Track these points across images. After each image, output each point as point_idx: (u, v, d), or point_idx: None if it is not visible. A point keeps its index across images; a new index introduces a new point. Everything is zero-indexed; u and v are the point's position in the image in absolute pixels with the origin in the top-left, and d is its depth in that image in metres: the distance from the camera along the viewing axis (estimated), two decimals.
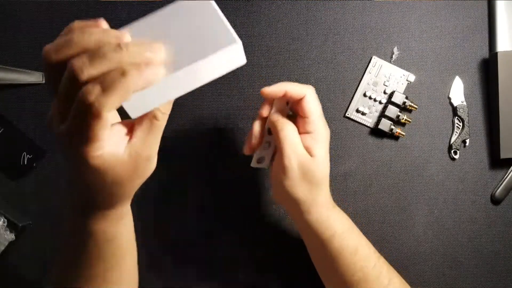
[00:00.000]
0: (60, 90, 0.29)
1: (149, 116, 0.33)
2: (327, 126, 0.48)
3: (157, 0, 0.59)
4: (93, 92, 0.27)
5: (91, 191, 0.34)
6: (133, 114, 0.31)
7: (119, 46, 0.28)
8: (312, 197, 0.46)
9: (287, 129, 0.46)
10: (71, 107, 0.29)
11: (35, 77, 0.58)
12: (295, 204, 0.47)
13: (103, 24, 0.31)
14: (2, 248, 0.55)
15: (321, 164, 0.45)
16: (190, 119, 0.59)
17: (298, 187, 0.45)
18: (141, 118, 0.33)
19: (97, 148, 0.30)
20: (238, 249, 0.59)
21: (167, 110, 0.33)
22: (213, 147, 0.59)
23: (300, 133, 0.47)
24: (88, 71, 0.28)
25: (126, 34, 0.30)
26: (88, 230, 0.37)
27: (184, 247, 0.59)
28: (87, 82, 0.28)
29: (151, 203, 0.58)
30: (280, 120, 0.47)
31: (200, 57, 0.30)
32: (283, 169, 0.45)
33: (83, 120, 0.28)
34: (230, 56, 0.31)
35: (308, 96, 0.46)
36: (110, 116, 0.29)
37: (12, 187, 0.58)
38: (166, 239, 0.59)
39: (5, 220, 0.56)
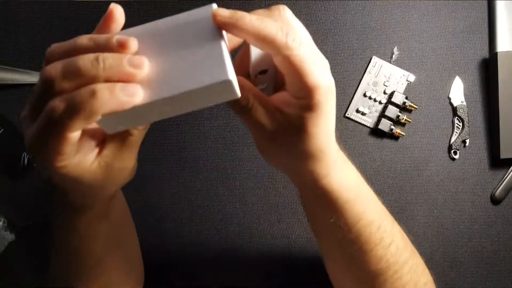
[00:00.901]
0: (35, 92, 0.28)
1: (123, 132, 0.31)
2: (328, 76, 0.30)
3: (158, 1, 0.59)
4: (59, 110, 0.25)
5: (64, 190, 0.34)
6: (108, 130, 0.29)
7: (96, 59, 0.26)
8: (310, 170, 0.34)
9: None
10: (40, 113, 0.27)
11: (35, 77, 0.58)
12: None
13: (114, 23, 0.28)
14: (2, 248, 0.55)
15: (312, 140, 0.31)
16: (190, 119, 0.59)
17: (288, 167, 0.35)
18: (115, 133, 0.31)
19: (60, 160, 0.28)
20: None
21: (144, 126, 0.32)
22: (214, 147, 0.59)
23: (282, 89, 0.33)
24: (60, 84, 0.26)
25: (132, 42, 0.27)
26: (70, 225, 0.37)
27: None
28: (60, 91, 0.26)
29: (150, 202, 0.59)
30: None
31: (184, 87, 0.26)
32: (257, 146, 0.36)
33: (47, 134, 0.27)
34: (220, 90, 0.27)
35: (290, 51, 0.28)
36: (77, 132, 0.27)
37: (12, 187, 0.58)
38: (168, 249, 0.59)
39: (5, 220, 0.56)
